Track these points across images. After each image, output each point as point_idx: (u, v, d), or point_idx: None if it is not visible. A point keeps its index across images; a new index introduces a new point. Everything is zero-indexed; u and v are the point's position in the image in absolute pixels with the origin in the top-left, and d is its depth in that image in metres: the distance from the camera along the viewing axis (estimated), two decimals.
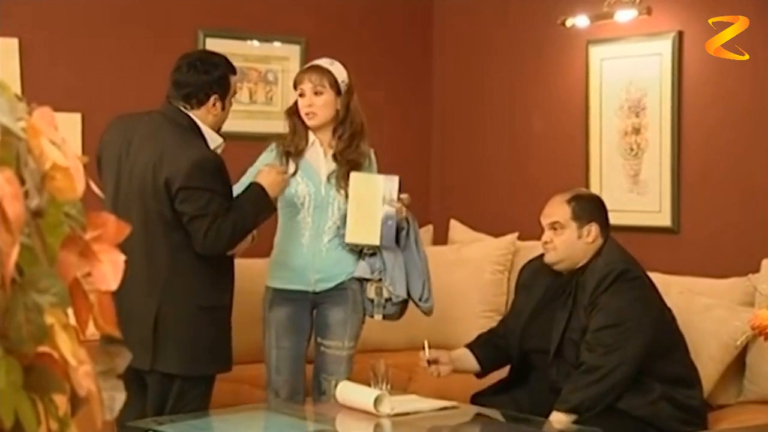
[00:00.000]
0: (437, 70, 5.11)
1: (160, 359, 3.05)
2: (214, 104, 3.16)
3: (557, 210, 3.22)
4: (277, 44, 4.66)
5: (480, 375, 3.37)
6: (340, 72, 3.40)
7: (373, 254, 3.37)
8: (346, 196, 3.33)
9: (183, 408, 3.09)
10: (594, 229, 3.20)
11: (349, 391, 3.15)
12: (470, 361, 3.32)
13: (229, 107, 3.23)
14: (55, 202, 0.82)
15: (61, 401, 0.83)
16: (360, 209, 3.31)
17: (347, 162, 3.37)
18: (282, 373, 3.40)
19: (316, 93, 3.35)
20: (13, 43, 3.97)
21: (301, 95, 3.38)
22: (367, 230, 3.31)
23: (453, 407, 3.21)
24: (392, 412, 3.05)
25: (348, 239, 3.33)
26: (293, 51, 4.66)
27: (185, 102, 3.15)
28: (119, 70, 4.27)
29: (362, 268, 3.37)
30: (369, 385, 3.16)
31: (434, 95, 5.12)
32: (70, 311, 0.84)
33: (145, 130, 3.14)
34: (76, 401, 0.84)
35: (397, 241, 3.37)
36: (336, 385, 3.25)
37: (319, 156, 3.41)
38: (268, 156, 3.42)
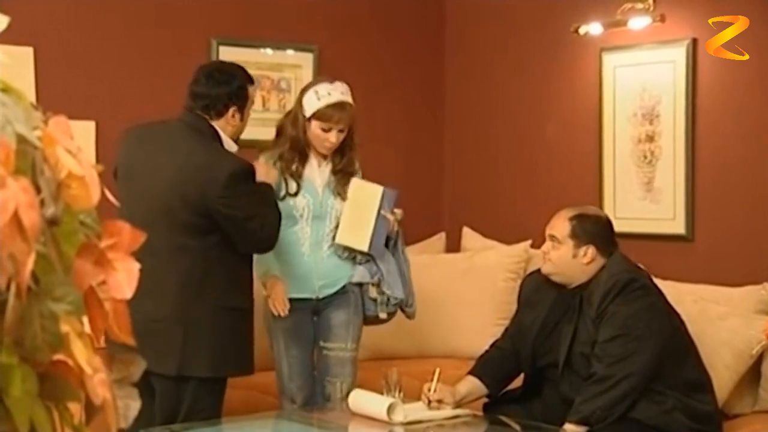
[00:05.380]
0: (450, 77, 5.11)
1: (189, 364, 3.06)
2: (233, 115, 3.19)
3: (558, 224, 3.22)
4: (290, 52, 4.67)
5: (490, 396, 3.35)
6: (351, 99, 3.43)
7: (367, 261, 3.45)
8: (343, 201, 3.43)
9: (197, 413, 3.09)
10: (590, 251, 3.17)
11: (361, 400, 3.15)
12: (477, 391, 3.29)
13: (247, 117, 3.26)
14: (71, 211, 0.83)
15: (76, 409, 0.84)
16: (355, 214, 3.40)
17: (345, 174, 3.46)
18: (295, 380, 3.43)
19: (340, 131, 3.39)
20: (28, 51, 3.99)
21: (323, 129, 3.38)
22: (357, 235, 3.40)
23: (466, 416, 3.20)
24: (405, 420, 3.04)
25: (338, 240, 3.41)
26: (306, 59, 4.68)
27: (204, 113, 3.17)
28: (133, 78, 4.29)
29: (361, 273, 3.46)
30: (381, 393, 3.16)
31: (447, 103, 5.12)
32: (85, 319, 0.84)
33: (167, 140, 3.16)
34: (91, 409, 0.84)
35: (387, 246, 3.48)
36: (342, 388, 3.30)
37: (313, 168, 3.46)
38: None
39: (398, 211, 3.46)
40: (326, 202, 3.44)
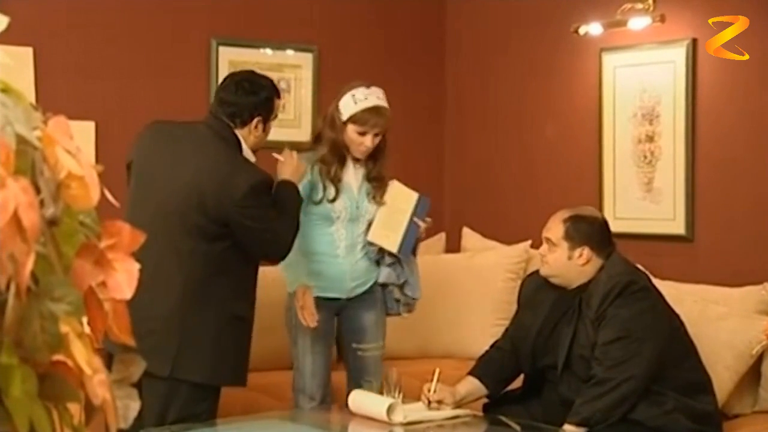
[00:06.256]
0: (450, 78, 5.11)
1: (183, 367, 3.04)
2: (256, 126, 3.20)
3: (552, 226, 3.23)
4: (289, 52, 4.67)
5: (490, 396, 3.35)
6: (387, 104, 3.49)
7: (393, 263, 3.51)
8: (378, 206, 3.49)
9: (191, 417, 3.08)
10: (585, 252, 3.16)
11: (361, 400, 3.15)
12: (477, 391, 3.29)
13: (269, 129, 3.27)
14: (70, 211, 0.83)
15: (75, 410, 0.84)
16: (390, 216, 3.48)
17: (378, 179, 3.52)
18: (317, 377, 3.46)
19: (376, 135, 3.43)
20: (28, 51, 3.99)
21: (359, 133, 3.41)
22: (389, 236, 3.47)
23: (466, 416, 3.20)
24: (405, 421, 3.04)
25: (370, 237, 3.47)
26: (306, 59, 4.68)
27: (229, 120, 3.18)
28: (133, 78, 4.29)
29: (386, 274, 3.52)
30: (381, 393, 3.16)
31: (447, 103, 5.12)
32: (84, 320, 0.84)
33: (192, 144, 3.16)
34: (90, 410, 0.84)
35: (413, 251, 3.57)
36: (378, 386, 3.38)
37: (349, 170, 3.50)
38: (307, 178, 3.44)
39: (428, 220, 3.54)
40: (362, 205, 3.49)
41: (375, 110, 3.41)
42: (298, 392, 3.49)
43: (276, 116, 3.29)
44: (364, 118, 3.39)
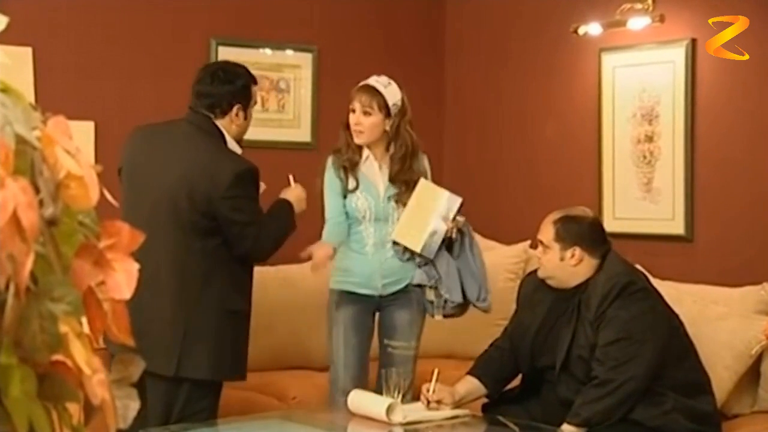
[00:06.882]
0: (450, 78, 5.11)
1: (187, 365, 3.06)
2: (237, 114, 3.20)
3: (544, 229, 3.24)
4: (289, 52, 4.67)
5: (489, 396, 3.35)
6: (393, 94, 3.48)
7: (426, 263, 3.47)
8: (402, 207, 3.48)
9: (192, 415, 3.09)
10: (577, 253, 3.16)
11: (361, 400, 3.15)
12: (476, 391, 3.29)
13: (250, 117, 3.28)
14: (70, 211, 0.83)
15: (74, 410, 0.84)
16: (415, 214, 3.45)
17: (403, 182, 3.49)
18: (350, 370, 3.46)
19: (364, 113, 3.44)
20: (27, 51, 3.99)
21: (352, 111, 3.46)
22: (413, 235, 3.45)
23: (465, 416, 3.20)
24: (404, 421, 3.04)
25: (394, 236, 3.47)
26: (305, 59, 4.68)
27: (209, 112, 3.17)
28: (132, 78, 4.29)
29: (419, 275, 3.50)
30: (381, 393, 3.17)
31: (447, 103, 5.12)
32: (84, 320, 0.84)
33: (177, 141, 3.17)
34: (89, 410, 0.84)
35: (450, 250, 3.48)
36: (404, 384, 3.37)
37: (374, 170, 3.52)
38: (330, 173, 3.48)
39: (461, 219, 3.48)
40: (387, 205, 3.50)
41: (363, 87, 3.47)
42: (332, 386, 3.50)
43: (256, 102, 3.31)
44: (352, 94, 3.47)
